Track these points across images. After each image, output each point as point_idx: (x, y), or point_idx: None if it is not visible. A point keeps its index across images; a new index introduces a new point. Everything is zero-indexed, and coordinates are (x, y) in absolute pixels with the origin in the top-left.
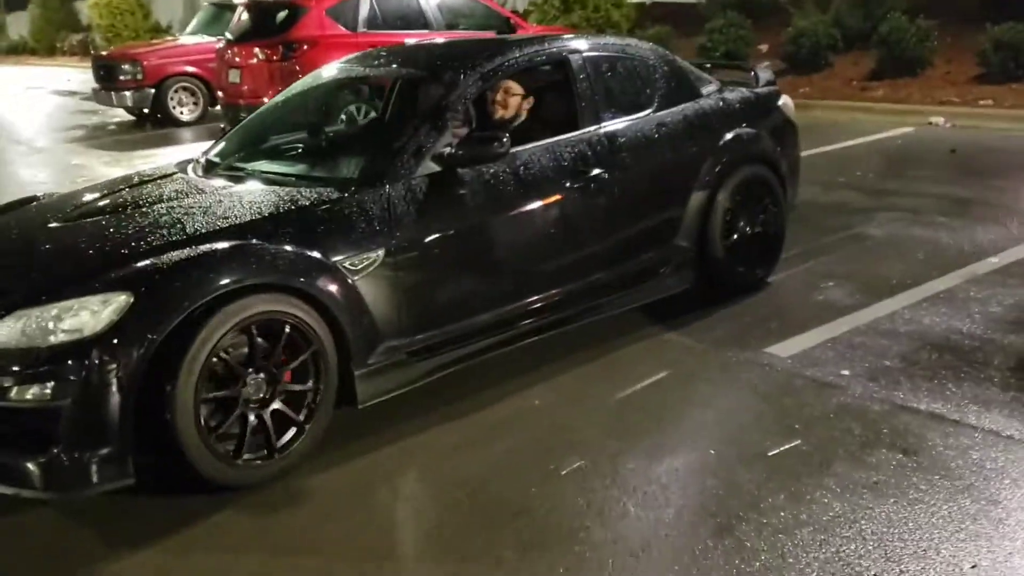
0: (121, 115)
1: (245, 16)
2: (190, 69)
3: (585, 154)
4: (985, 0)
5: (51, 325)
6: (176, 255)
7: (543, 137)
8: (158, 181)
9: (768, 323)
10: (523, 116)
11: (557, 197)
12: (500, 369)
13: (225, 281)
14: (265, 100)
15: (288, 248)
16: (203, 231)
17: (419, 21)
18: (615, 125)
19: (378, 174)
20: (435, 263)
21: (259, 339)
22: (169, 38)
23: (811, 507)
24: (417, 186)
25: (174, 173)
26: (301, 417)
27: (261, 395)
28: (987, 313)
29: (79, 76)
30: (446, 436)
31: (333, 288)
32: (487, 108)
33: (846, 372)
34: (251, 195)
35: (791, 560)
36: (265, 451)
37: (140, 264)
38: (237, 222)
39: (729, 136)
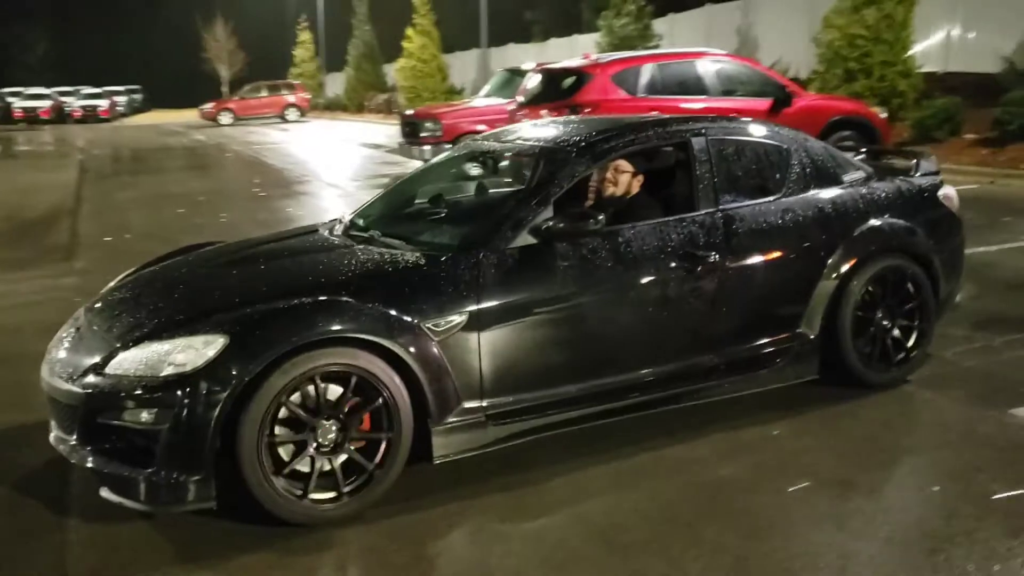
0: (419, 167)
1: (537, 81)
2: (481, 128)
3: (696, 236)
4: None
5: (165, 358)
6: (271, 305)
7: (657, 216)
8: (299, 237)
9: (1019, 388)
10: (634, 192)
11: (658, 277)
12: (747, 402)
13: (306, 332)
14: None
15: (373, 305)
16: (305, 285)
17: (696, 87)
18: (734, 209)
19: (475, 242)
20: (519, 332)
21: (333, 391)
22: (466, 100)
23: None
24: (510, 256)
25: (315, 231)
26: (346, 488)
27: (325, 444)
28: None
29: (382, 131)
30: (693, 451)
31: (412, 346)
32: (599, 185)
33: None
34: (362, 255)
35: None
36: (300, 492)
37: (241, 311)
38: (336, 279)
39: (867, 226)
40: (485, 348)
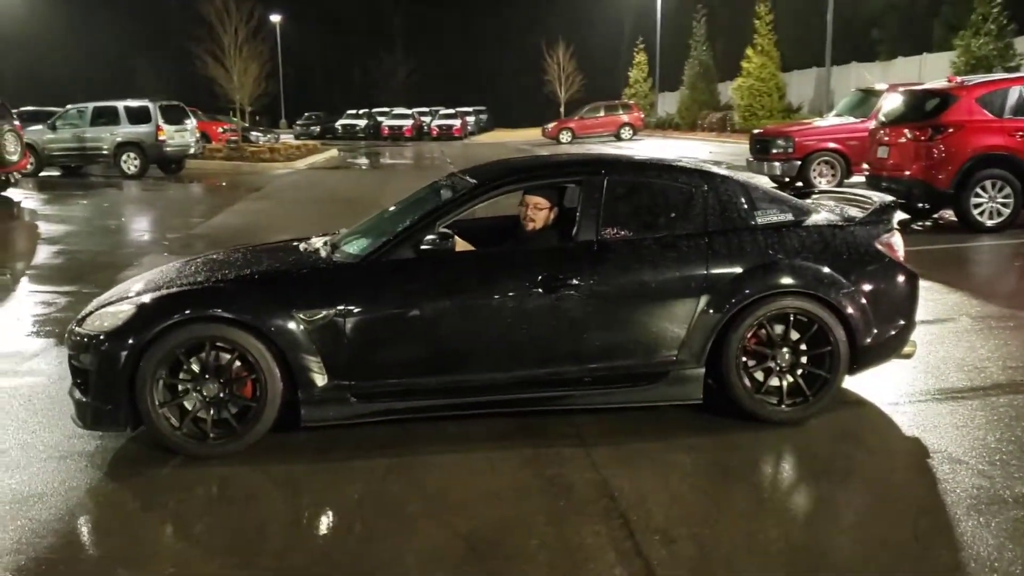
0: (765, 182)
1: (898, 102)
2: (832, 145)
3: (562, 263)
4: None
5: (103, 320)
6: (176, 289)
7: (552, 243)
8: (294, 244)
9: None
10: (549, 224)
11: (516, 293)
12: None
13: (180, 310)
14: (906, 174)
15: (256, 294)
16: (216, 278)
17: None
18: (611, 240)
19: (368, 254)
20: (384, 327)
21: (210, 361)
22: (814, 118)
23: None
24: (385, 265)
25: (298, 241)
26: (211, 435)
27: (210, 397)
28: None
29: (717, 148)
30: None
31: (279, 329)
32: (523, 220)
33: None
34: (292, 258)
35: None
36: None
37: (157, 291)
38: (249, 274)
39: (767, 266)
40: (351, 338)
